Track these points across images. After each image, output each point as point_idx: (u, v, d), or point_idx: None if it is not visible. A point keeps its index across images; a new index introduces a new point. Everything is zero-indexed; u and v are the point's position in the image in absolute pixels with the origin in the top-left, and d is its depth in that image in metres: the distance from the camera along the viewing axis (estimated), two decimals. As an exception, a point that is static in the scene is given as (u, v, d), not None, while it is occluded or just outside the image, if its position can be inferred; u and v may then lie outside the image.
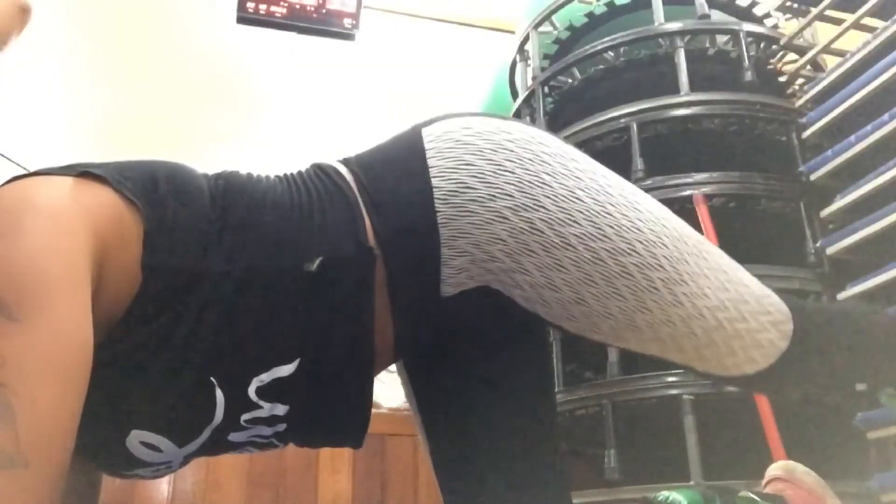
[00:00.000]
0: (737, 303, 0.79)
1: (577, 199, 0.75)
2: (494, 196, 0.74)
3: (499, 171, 0.75)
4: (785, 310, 0.82)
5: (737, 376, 0.82)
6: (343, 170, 0.80)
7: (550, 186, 0.75)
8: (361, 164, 0.81)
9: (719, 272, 0.80)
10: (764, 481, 1.08)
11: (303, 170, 0.82)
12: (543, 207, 0.74)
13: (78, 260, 0.61)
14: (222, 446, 0.77)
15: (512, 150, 0.76)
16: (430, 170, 0.76)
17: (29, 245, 0.59)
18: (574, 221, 0.74)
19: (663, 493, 0.97)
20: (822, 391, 0.92)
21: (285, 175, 0.81)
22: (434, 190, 0.75)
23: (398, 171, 0.78)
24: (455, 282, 0.76)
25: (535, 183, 0.75)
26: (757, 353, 0.80)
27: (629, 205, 0.78)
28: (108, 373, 0.64)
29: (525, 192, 0.74)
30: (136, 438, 0.70)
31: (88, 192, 0.66)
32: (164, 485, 2.33)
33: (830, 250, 1.83)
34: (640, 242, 0.75)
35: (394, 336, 0.78)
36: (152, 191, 0.70)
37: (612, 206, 0.76)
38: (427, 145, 0.78)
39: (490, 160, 0.76)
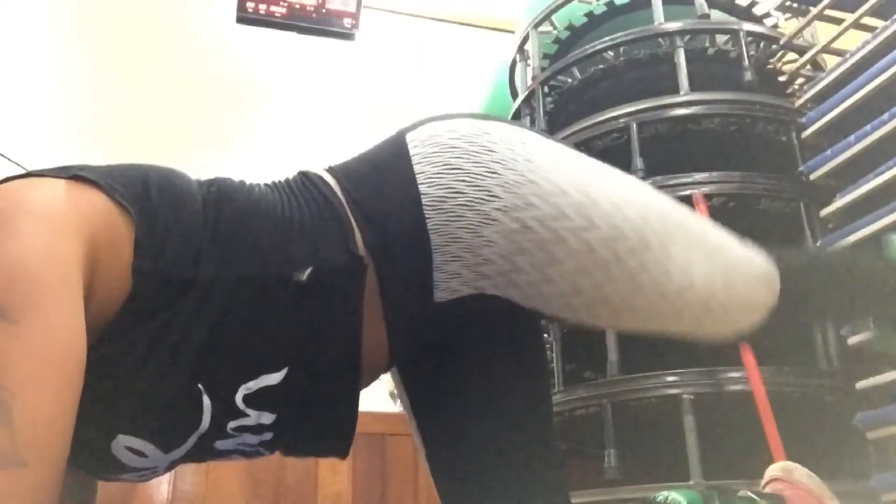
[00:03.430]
0: (727, 269, 0.82)
1: (564, 192, 0.76)
2: (483, 199, 0.74)
3: (486, 174, 0.75)
4: (771, 268, 0.86)
5: (734, 334, 0.87)
6: (330, 179, 0.80)
7: (537, 184, 0.75)
8: (347, 173, 0.81)
9: (705, 242, 0.83)
10: (763, 481, 1.08)
11: (290, 177, 0.82)
12: (533, 205, 0.75)
13: (71, 262, 0.61)
14: (209, 454, 0.76)
15: (496, 152, 0.77)
16: (418, 176, 0.76)
17: (22, 247, 0.59)
18: (564, 216, 0.75)
19: (662, 493, 0.97)
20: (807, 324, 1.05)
21: (274, 183, 0.81)
22: (423, 197, 0.75)
23: (385, 178, 0.78)
24: (448, 287, 0.76)
25: (523, 182, 0.75)
26: (751, 310, 0.85)
27: (614, 192, 0.79)
28: (96, 376, 0.64)
29: (513, 192, 0.75)
30: (122, 443, 0.69)
31: (81, 196, 0.66)
32: (164, 485, 2.33)
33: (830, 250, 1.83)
34: (629, 229, 0.77)
35: (388, 343, 0.78)
36: (144, 196, 0.70)
37: (599, 195, 0.77)
38: (412, 150, 0.78)
39: (477, 163, 0.76)
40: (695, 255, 0.80)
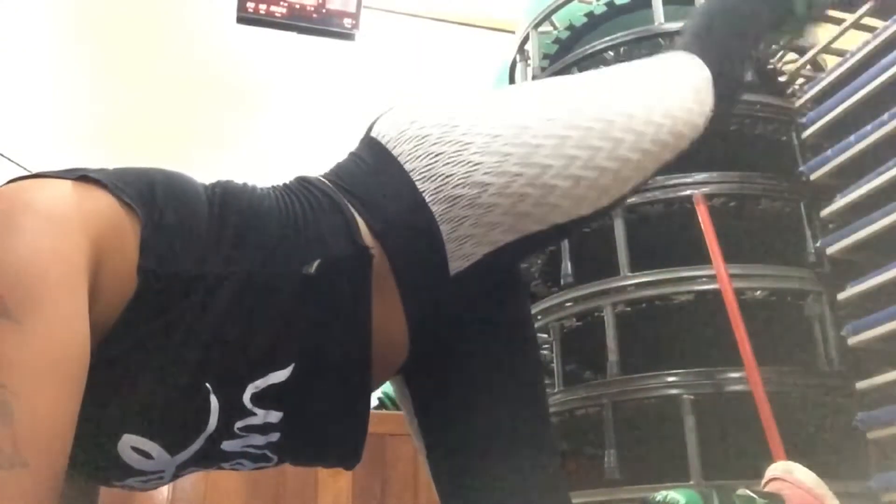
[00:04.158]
0: (658, 102, 0.89)
1: (525, 126, 0.80)
2: (460, 150, 0.78)
3: (450, 128, 0.80)
4: (699, 71, 0.94)
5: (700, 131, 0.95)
6: (324, 180, 0.83)
7: (502, 134, 0.80)
8: (338, 174, 0.84)
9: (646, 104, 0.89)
10: (763, 481, 1.08)
11: (288, 182, 0.84)
12: (500, 135, 0.79)
13: (76, 262, 0.61)
14: (215, 457, 0.76)
15: (447, 109, 0.83)
16: (399, 157, 0.80)
17: (27, 246, 0.59)
18: (527, 127, 0.80)
19: (661, 493, 0.97)
20: None
21: (273, 187, 0.83)
22: (411, 173, 0.78)
23: (372, 170, 0.82)
24: (461, 254, 0.78)
25: (480, 120, 0.81)
26: (699, 106, 0.93)
27: (575, 100, 0.86)
28: (102, 376, 0.64)
29: (478, 132, 0.79)
30: (128, 444, 0.69)
31: (87, 196, 0.66)
32: (164, 485, 2.33)
33: (830, 250, 1.83)
34: (603, 126, 0.83)
35: (407, 333, 0.79)
36: (150, 196, 0.70)
37: (555, 116, 0.83)
38: (383, 140, 0.82)
39: (437, 124, 0.81)
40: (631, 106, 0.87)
